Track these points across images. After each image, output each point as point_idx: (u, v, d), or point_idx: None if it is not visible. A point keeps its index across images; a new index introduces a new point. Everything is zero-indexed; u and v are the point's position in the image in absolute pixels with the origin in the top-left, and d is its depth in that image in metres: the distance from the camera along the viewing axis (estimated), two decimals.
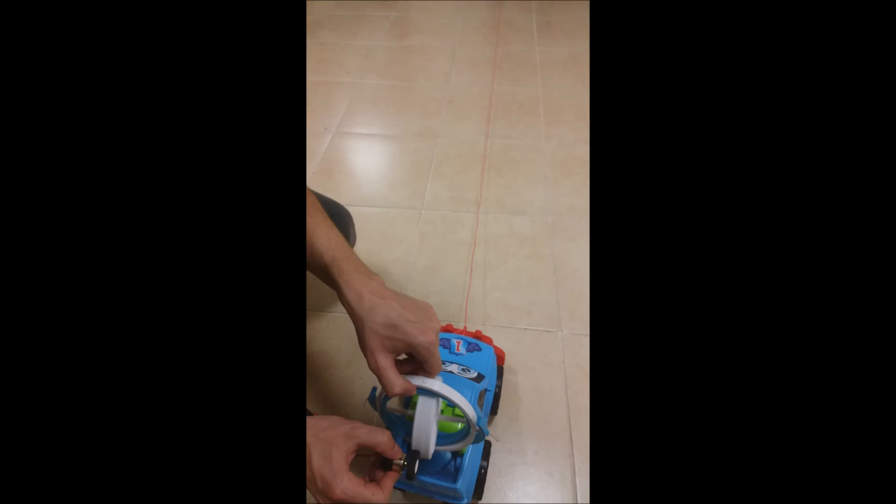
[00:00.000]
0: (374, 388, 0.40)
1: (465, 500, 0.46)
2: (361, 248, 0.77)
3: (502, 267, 0.74)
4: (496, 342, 0.56)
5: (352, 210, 0.67)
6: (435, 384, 0.38)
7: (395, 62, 1.31)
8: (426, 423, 0.38)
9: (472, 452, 0.47)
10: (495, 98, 1.14)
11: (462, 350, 0.53)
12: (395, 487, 0.43)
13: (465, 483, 0.45)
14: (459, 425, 0.44)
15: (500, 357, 0.58)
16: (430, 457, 0.40)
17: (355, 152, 1.02)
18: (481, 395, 0.49)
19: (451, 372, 0.49)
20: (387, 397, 0.40)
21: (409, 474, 0.39)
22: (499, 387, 0.56)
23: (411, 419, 0.39)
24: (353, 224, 0.66)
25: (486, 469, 0.48)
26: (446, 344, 0.54)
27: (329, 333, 0.66)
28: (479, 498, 0.49)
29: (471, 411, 0.38)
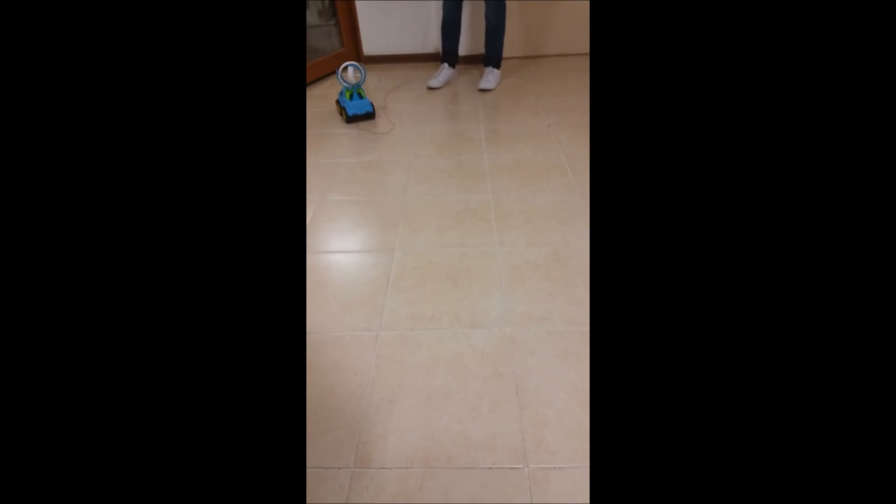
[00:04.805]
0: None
1: None
2: (312, 383, 0.73)
3: (462, 392, 0.71)
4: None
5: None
6: None
7: (355, 178, 1.37)
8: None
9: None
10: (449, 207, 1.19)
11: None
12: None
13: None
14: None
15: None
16: None
17: (311, 272, 1.01)
18: None
19: None
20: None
21: None
22: None
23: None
24: None
25: None
26: None
27: None
28: None
29: None
